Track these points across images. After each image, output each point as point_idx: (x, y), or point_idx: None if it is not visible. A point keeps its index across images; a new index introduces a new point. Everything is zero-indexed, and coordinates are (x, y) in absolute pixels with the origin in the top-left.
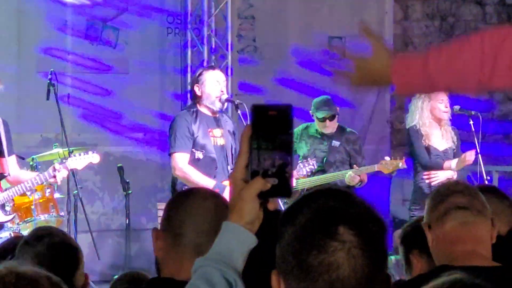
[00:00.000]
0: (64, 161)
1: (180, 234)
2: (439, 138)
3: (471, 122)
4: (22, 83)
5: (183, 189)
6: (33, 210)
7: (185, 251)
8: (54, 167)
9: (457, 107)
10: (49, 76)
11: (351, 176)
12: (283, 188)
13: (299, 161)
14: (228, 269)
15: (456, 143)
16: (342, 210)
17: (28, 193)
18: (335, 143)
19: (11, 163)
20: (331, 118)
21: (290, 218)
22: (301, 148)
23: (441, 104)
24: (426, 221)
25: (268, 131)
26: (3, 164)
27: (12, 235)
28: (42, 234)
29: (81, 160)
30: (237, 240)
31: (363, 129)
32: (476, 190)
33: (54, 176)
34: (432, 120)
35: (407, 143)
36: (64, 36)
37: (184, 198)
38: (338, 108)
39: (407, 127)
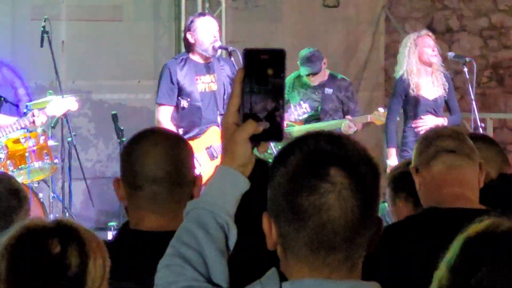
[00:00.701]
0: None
1: (135, 184)
2: (430, 86)
3: (465, 69)
4: (16, 30)
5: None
6: (27, 158)
7: (142, 201)
8: (33, 113)
9: (451, 54)
10: (43, 23)
11: (347, 125)
12: (275, 132)
13: (292, 105)
14: (221, 212)
15: (447, 90)
16: (333, 152)
17: (22, 140)
18: (328, 90)
19: None
20: (314, 74)
21: (282, 160)
22: (294, 97)
23: (428, 48)
24: (414, 164)
25: (260, 75)
26: None
27: None
28: None
29: (60, 106)
30: (230, 183)
31: (357, 76)
32: (463, 135)
33: (33, 122)
34: (421, 67)
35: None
36: None
37: (134, 145)
38: (325, 60)
39: (396, 77)
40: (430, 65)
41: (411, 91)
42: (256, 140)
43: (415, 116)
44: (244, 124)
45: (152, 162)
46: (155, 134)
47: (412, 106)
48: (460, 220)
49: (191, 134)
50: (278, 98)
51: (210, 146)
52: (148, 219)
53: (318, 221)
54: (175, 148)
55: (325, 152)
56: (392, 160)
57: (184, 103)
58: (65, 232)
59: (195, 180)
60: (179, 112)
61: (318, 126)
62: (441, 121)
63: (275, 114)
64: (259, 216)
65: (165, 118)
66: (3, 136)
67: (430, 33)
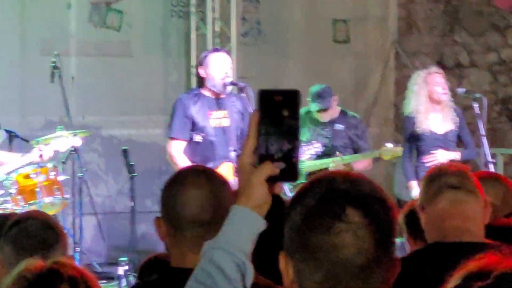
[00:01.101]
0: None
1: (177, 226)
2: (440, 121)
3: (476, 105)
4: (26, 66)
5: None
6: (38, 193)
7: (185, 242)
8: (39, 148)
9: (461, 90)
10: (53, 59)
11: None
12: (290, 172)
13: (303, 144)
14: (238, 252)
15: (458, 124)
16: (349, 192)
17: (33, 175)
18: (339, 126)
19: None
20: (324, 110)
21: (299, 199)
22: (304, 133)
23: (438, 87)
24: (420, 202)
25: (275, 116)
26: None
27: None
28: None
29: (64, 143)
30: (246, 224)
31: (367, 111)
32: (467, 171)
33: (41, 156)
34: (430, 105)
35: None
36: (68, 19)
37: (178, 185)
38: (336, 97)
39: (404, 114)
40: (439, 102)
41: (419, 127)
42: (272, 180)
43: (427, 151)
44: (261, 166)
45: (197, 205)
46: (199, 175)
47: (422, 141)
48: (463, 254)
49: None
50: (294, 139)
51: None
52: (191, 259)
53: (333, 260)
54: (220, 191)
55: (341, 192)
56: (415, 191)
57: (197, 137)
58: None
59: None
60: (192, 146)
61: (327, 161)
62: (454, 155)
63: (291, 155)
64: (274, 254)
65: (179, 152)
66: (13, 172)
67: (440, 70)
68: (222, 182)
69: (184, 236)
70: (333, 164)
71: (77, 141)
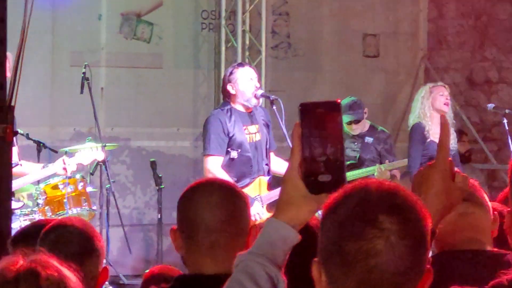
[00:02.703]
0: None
1: (192, 235)
2: None
3: (505, 121)
4: (56, 77)
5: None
6: (65, 204)
7: (200, 250)
8: (63, 160)
9: (490, 106)
10: (83, 70)
11: (380, 172)
12: (337, 184)
13: None
14: (270, 264)
15: (456, 146)
16: (382, 199)
17: (61, 186)
18: (368, 139)
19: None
20: (356, 122)
21: (332, 208)
22: None
23: (442, 96)
24: None
25: (318, 129)
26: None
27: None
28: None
29: (87, 156)
30: (280, 237)
31: (395, 126)
32: (474, 184)
33: (64, 169)
34: (434, 113)
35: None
36: (98, 30)
37: (190, 195)
38: (366, 110)
39: (410, 124)
40: (441, 113)
41: (427, 135)
42: (318, 192)
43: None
44: (319, 199)
45: (209, 212)
46: (211, 184)
47: (429, 152)
48: (472, 261)
49: (241, 184)
50: (339, 149)
51: (258, 196)
52: (207, 266)
53: (365, 267)
54: (231, 198)
55: (374, 199)
56: None
57: (234, 154)
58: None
59: (251, 229)
60: (227, 163)
61: (355, 173)
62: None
63: (337, 164)
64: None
65: (217, 168)
66: (33, 181)
67: (446, 86)
68: (233, 189)
69: (199, 244)
70: (377, 172)
71: (100, 155)
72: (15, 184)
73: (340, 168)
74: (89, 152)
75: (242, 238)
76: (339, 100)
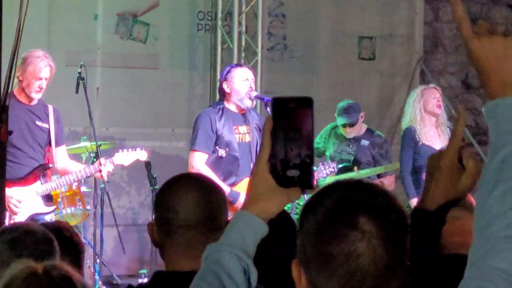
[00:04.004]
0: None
1: (169, 230)
2: (436, 137)
3: None
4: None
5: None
6: (59, 203)
7: (177, 246)
8: (100, 162)
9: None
10: (79, 70)
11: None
12: (305, 180)
13: (320, 163)
14: (242, 254)
15: None
16: (363, 200)
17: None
18: (364, 142)
19: (60, 153)
20: (350, 125)
21: (311, 208)
22: (329, 148)
23: (433, 99)
24: None
25: (289, 124)
26: (51, 154)
27: None
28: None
29: (128, 156)
30: (250, 228)
31: (391, 129)
32: None
33: (100, 171)
34: (425, 115)
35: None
36: (94, 30)
37: (168, 190)
38: (362, 114)
39: (403, 128)
40: (434, 115)
41: (418, 139)
42: (288, 186)
43: (424, 166)
44: (291, 192)
45: (186, 207)
46: (188, 179)
47: (421, 156)
48: (461, 266)
49: (227, 183)
50: (308, 146)
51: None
52: (183, 262)
53: (347, 269)
54: (209, 193)
55: (354, 200)
56: None
57: (222, 152)
58: None
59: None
60: (214, 160)
61: (349, 176)
62: None
63: (306, 162)
64: (276, 264)
65: (201, 164)
66: (67, 183)
67: (438, 88)
68: (212, 186)
69: (175, 240)
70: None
71: (143, 155)
72: (54, 185)
73: (309, 164)
74: (131, 153)
75: (220, 234)
76: (310, 96)
